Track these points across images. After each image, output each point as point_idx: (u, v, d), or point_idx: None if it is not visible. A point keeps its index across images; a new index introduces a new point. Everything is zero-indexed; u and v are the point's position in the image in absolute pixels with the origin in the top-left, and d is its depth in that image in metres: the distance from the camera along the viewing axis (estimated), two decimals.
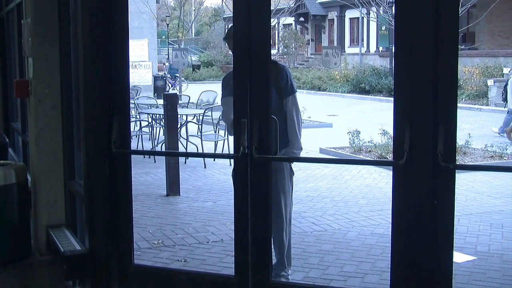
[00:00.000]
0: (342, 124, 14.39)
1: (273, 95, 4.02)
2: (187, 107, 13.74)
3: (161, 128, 11.07)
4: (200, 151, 9.74)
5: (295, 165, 4.67)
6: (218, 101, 13.61)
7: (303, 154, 4.59)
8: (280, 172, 4.25)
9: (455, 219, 3.20)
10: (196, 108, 13.36)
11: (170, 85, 24.45)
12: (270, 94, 3.57)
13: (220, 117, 8.87)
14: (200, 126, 10.32)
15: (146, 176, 8.77)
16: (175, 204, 7.30)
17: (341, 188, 8.12)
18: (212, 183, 8.40)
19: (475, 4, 20.42)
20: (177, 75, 27.74)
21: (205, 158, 9.69)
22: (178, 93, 17.32)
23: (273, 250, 4.21)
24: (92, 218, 4.07)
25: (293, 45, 35.54)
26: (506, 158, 10.05)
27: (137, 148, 10.56)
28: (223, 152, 10.00)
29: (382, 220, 6.37)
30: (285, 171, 4.31)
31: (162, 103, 8.65)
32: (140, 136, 11.21)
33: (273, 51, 33.05)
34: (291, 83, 4.25)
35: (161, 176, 8.35)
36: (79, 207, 4.64)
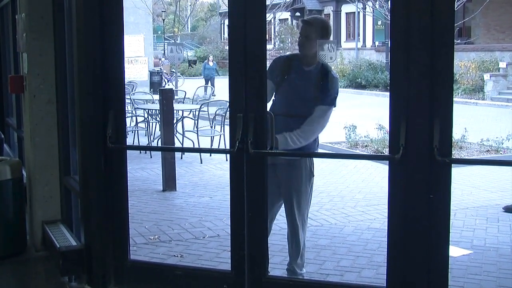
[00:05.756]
0: (338, 119, 14.37)
1: (308, 98, 3.97)
2: (183, 102, 13.72)
3: (157, 123, 11.06)
4: (196, 146, 9.73)
5: None
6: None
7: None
8: (297, 171, 4.10)
9: (451, 213, 3.20)
10: (192, 103, 13.35)
11: (166, 80, 24.41)
12: (265, 89, 3.56)
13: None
14: (196, 121, 10.30)
15: (142, 171, 8.75)
16: (171, 200, 7.30)
17: (338, 183, 8.13)
18: (208, 178, 8.39)
19: None
20: (214, 76, 25.26)
21: (201, 153, 9.68)
22: (174, 88, 17.28)
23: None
24: (88, 213, 4.06)
25: (289, 40, 35.46)
26: (502, 152, 10.08)
27: (133, 143, 10.55)
28: (219, 147, 9.99)
29: (379, 214, 6.37)
30: (303, 171, 4.12)
31: (158, 98, 8.63)
32: (136, 131, 11.20)
33: (269, 46, 32.97)
34: (334, 96, 3.99)
35: (157, 171, 8.33)
36: (75, 202, 4.63)
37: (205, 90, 17.23)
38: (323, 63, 4.05)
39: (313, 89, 4.00)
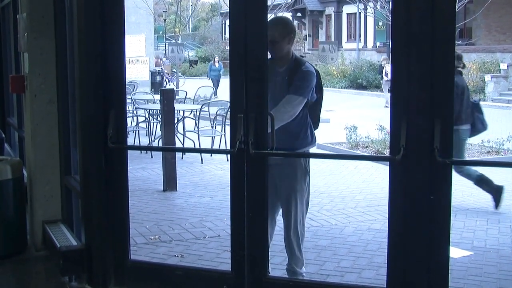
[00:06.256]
0: (339, 120, 14.39)
1: (284, 91, 3.97)
2: (184, 102, 13.72)
3: (158, 123, 11.07)
4: (197, 146, 9.73)
5: None
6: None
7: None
8: (291, 170, 4.10)
9: (451, 214, 3.19)
10: (193, 103, 13.35)
11: (167, 80, 24.41)
12: (266, 90, 3.56)
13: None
14: (197, 121, 10.31)
15: (143, 171, 8.76)
16: (172, 200, 7.30)
17: (338, 183, 8.12)
18: (209, 178, 8.39)
19: (472, 0, 20.42)
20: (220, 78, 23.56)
21: (202, 154, 9.68)
22: (175, 88, 17.26)
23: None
24: (89, 213, 4.06)
25: None
26: (502, 154, 10.07)
27: (134, 143, 10.56)
28: (220, 148, 9.99)
29: (379, 215, 6.37)
30: (298, 169, 4.11)
31: (159, 98, 8.64)
32: (137, 131, 11.21)
33: None
34: (302, 87, 3.97)
35: (158, 171, 8.34)
36: (76, 202, 4.63)
37: (214, 93, 16.53)
38: (295, 59, 4.06)
39: (286, 88, 4.01)
